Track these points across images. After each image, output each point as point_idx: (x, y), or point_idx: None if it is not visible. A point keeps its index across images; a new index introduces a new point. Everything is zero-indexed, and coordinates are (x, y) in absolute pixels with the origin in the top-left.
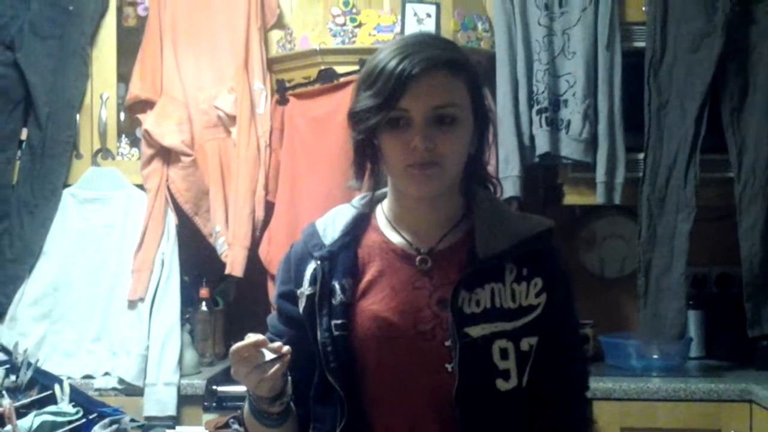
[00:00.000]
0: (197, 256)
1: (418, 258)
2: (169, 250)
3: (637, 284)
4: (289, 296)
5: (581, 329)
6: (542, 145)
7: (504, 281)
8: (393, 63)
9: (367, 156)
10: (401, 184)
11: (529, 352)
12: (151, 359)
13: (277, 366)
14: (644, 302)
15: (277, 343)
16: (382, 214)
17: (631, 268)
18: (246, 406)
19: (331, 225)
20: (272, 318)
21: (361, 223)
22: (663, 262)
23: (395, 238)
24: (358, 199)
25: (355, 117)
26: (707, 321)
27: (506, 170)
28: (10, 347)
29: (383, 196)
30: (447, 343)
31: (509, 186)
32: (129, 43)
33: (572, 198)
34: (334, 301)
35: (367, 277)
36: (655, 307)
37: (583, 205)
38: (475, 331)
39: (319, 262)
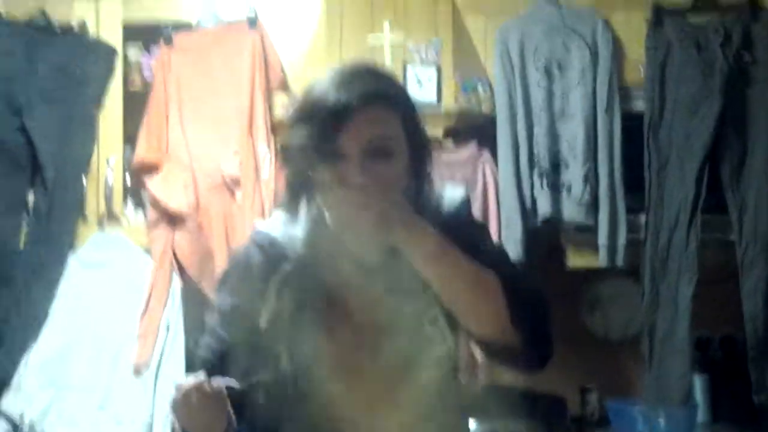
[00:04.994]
0: (203, 320)
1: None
2: (174, 314)
3: (641, 347)
4: (244, 310)
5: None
6: (544, 207)
7: None
8: (327, 97)
9: (302, 190)
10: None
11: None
12: (156, 427)
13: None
14: (649, 366)
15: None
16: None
17: (635, 330)
18: None
19: (289, 236)
20: (214, 326)
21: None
22: (666, 325)
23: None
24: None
25: (288, 152)
26: (712, 385)
27: (508, 233)
28: (15, 416)
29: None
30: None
31: (511, 248)
32: (134, 107)
33: (575, 261)
34: (298, 317)
35: (329, 291)
36: (660, 370)
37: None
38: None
39: (283, 277)
